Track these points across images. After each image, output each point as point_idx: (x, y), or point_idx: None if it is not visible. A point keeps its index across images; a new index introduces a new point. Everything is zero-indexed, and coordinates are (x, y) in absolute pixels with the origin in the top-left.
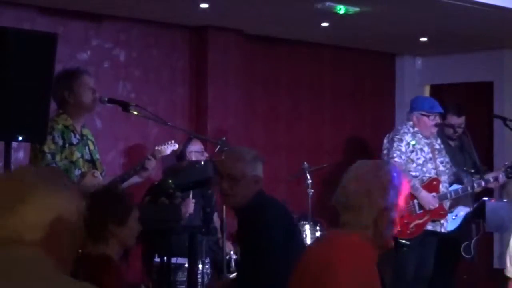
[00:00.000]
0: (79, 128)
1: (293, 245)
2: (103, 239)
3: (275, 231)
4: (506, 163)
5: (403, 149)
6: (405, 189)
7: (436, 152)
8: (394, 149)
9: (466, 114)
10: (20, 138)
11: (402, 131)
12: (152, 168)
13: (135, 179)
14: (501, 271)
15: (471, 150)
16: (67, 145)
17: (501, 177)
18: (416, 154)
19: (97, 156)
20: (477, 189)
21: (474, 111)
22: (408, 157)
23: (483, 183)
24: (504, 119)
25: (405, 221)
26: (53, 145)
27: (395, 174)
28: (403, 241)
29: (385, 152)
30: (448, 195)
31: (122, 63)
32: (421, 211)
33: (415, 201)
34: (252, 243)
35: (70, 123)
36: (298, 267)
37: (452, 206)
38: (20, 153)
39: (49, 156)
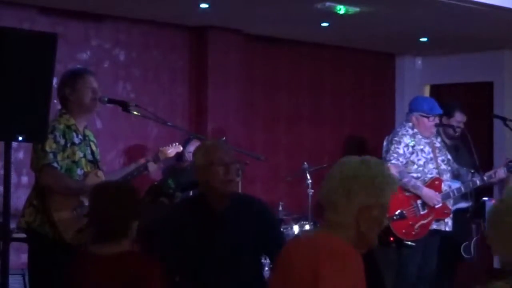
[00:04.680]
0: (81, 128)
1: None
2: (125, 235)
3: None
4: (507, 158)
5: (401, 151)
6: (389, 188)
7: (437, 151)
8: (392, 152)
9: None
10: (20, 138)
11: (400, 133)
12: (153, 171)
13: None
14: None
15: (470, 150)
16: (69, 145)
17: (503, 172)
18: (417, 155)
19: (98, 156)
20: (479, 185)
21: (474, 111)
22: (408, 158)
23: (485, 178)
24: (504, 119)
25: (410, 222)
26: (55, 144)
27: (378, 172)
28: (409, 243)
29: (384, 155)
30: (451, 193)
31: (122, 63)
32: (425, 211)
33: (418, 201)
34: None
35: (73, 123)
36: (281, 269)
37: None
38: (20, 153)
39: (50, 155)
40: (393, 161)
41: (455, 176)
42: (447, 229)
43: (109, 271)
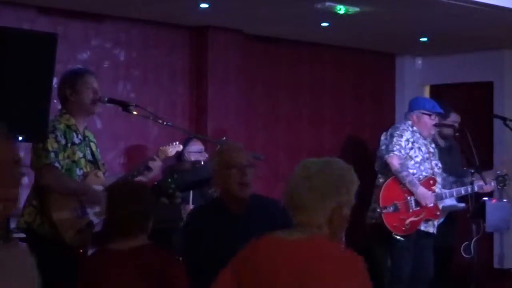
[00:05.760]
0: (81, 128)
1: None
2: (143, 230)
3: None
4: (498, 172)
5: (403, 144)
6: (356, 185)
7: (431, 155)
8: (394, 143)
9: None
10: (20, 138)
11: (401, 128)
12: (156, 168)
13: (139, 179)
14: (501, 271)
15: (464, 150)
16: (69, 145)
17: (492, 185)
18: (415, 151)
19: (100, 157)
20: (470, 192)
21: (474, 111)
22: (407, 153)
23: (476, 188)
24: (504, 119)
25: (401, 217)
26: (56, 144)
27: (345, 171)
28: (398, 237)
29: (383, 147)
30: (443, 195)
31: (122, 63)
32: (418, 208)
33: (412, 197)
34: None
35: (73, 123)
36: (254, 274)
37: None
38: (20, 153)
39: (52, 155)
40: (396, 152)
41: (456, 181)
42: (434, 231)
43: (130, 265)
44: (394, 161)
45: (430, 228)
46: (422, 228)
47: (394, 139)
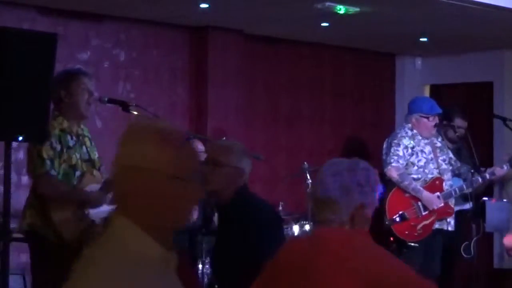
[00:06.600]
0: (75, 129)
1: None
2: None
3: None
4: (510, 153)
5: (401, 153)
6: (378, 187)
7: (438, 151)
8: (391, 154)
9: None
10: (20, 138)
11: (399, 135)
12: None
13: None
14: (501, 271)
15: (471, 152)
16: (65, 150)
17: (505, 168)
18: (417, 156)
19: (95, 153)
20: (480, 183)
21: (474, 111)
22: (408, 160)
23: (487, 176)
24: (504, 119)
25: (412, 223)
26: (51, 151)
27: (370, 172)
28: (412, 244)
29: (384, 157)
30: (453, 192)
31: (122, 63)
32: (427, 212)
33: (419, 203)
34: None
35: (67, 126)
36: (290, 270)
37: None
38: (20, 153)
39: (48, 162)
40: (393, 164)
41: (456, 175)
42: (449, 228)
43: None
44: (393, 173)
45: (444, 225)
46: (437, 225)
47: (392, 150)
